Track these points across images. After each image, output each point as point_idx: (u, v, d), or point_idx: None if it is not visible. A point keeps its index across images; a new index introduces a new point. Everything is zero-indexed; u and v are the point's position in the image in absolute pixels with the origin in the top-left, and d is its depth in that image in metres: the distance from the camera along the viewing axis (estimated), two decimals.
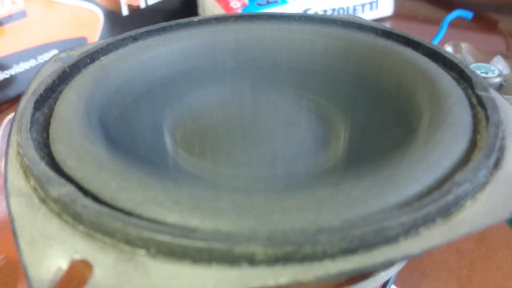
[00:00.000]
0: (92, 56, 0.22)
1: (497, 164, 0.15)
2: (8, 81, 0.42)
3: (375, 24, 0.24)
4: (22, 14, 0.42)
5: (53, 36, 0.45)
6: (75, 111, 0.18)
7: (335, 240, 0.12)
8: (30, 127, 0.17)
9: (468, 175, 0.14)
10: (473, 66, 0.39)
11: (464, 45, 0.42)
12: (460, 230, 0.13)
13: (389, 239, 0.13)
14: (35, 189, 0.15)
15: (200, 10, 0.55)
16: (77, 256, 0.13)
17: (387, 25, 0.56)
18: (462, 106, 0.18)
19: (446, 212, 0.13)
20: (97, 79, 0.20)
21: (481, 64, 0.40)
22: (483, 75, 0.38)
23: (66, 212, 0.14)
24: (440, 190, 0.14)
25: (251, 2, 0.51)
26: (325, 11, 0.53)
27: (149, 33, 0.24)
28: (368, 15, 0.55)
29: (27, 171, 0.15)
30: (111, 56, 0.22)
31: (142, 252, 0.13)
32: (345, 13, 0.54)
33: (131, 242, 0.13)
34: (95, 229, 0.13)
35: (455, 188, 0.14)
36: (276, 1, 0.51)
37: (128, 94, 0.21)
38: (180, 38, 0.23)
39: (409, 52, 0.22)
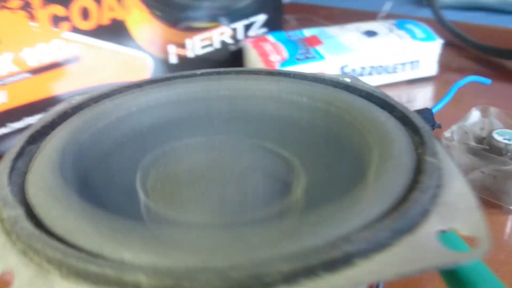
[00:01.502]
0: (96, 100, 0.25)
1: (411, 229, 0.16)
2: None
3: (362, 86, 0.25)
4: (76, 59, 0.47)
5: (105, 79, 0.49)
6: (55, 149, 0.20)
7: (213, 280, 0.13)
8: (16, 158, 0.20)
9: (366, 235, 0.15)
10: (497, 131, 0.38)
11: (493, 110, 0.41)
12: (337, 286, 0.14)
13: (266, 286, 0.14)
14: None
15: (245, 61, 0.58)
16: (6, 268, 0.15)
17: (430, 85, 0.56)
18: (404, 168, 0.19)
19: (331, 267, 0.14)
20: (86, 122, 0.23)
21: (507, 130, 0.39)
22: (506, 141, 0.37)
23: (12, 231, 0.16)
24: (333, 245, 0.15)
25: (290, 56, 0.53)
26: (364, 68, 0.54)
27: (153, 82, 0.27)
28: (409, 75, 0.56)
29: None
30: (110, 101, 0.25)
31: (56, 271, 0.14)
32: (385, 71, 0.54)
33: (50, 262, 0.15)
34: (28, 248, 0.15)
35: (345, 244, 0.14)
36: (314, 57, 0.53)
37: (113, 140, 0.23)
38: (172, 88, 0.25)
39: (378, 113, 0.22)
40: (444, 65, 0.58)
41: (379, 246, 0.15)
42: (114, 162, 0.22)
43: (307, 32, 0.59)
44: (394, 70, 0.55)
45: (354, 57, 0.53)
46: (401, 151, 0.19)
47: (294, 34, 0.59)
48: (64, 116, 0.24)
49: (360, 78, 0.53)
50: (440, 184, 0.18)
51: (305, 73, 0.26)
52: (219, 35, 0.58)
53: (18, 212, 0.17)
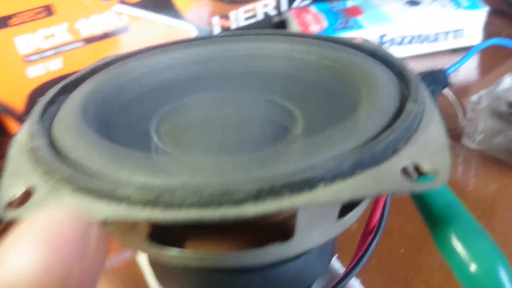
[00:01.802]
0: (124, 59, 0.28)
1: (376, 163, 0.17)
2: None
3: (369, 46, 0.26)
4: (125, 30, 0.50)
5: None
6: (80, 97, 0.23)
7: (189, 195, 0.16)
8: (48, 104, 0.23)
9: (331, 164, 0.17)
10: None
11: None
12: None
13: (236, 202, 0.16)
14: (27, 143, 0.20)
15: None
16: (30, 186, 0.18)
17: (474, 54, 0.55)
18: (383, 112, 0.20)
19: (295, 189, 0.16)
20: (111, 76, 0.25)
21: None
22: None
23: (36, 157, 0.19)
24: (299, 171, 0.16)
25: (329, 26, 0.54)
26: (403, 37, 0.54)
27: (176, 44, 0.29)
28: (452, 44, 0.55)
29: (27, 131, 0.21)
30: (135, 60, 0.28)
31: (65, 188, 0.17)
32: (426, 40, 0.54)
33: (61, 180, 0.18)
34: (46, 170, 0.18)
35: (309, 171, 0.16)
36: (353, 26, 0.53)
37: (134, 92, 0.25)
38: (192, 49, 0.28)
39: (375, 68, 0.24)
40: (491, 34, 0.56)
41: (341, 175, 0.17)
42: (133, 111, 0.25)
43: (350, 3, 0.59)
44: (436, 39, 0.54)
45: (393, 26, 0.53)
46: (384, 98, 0.20)
47: (337, 5, 0.60)
48: (93, 72, 0.27)
49: (400, 47, 0.54)
50: (417, 127, 0.19)
51: (319, 35, 0.28)
52: (263, 7, 0.60)
53: (42, 142, 0.20)
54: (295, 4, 0.62)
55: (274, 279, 0.22)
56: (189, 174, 0.17)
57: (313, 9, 0.59)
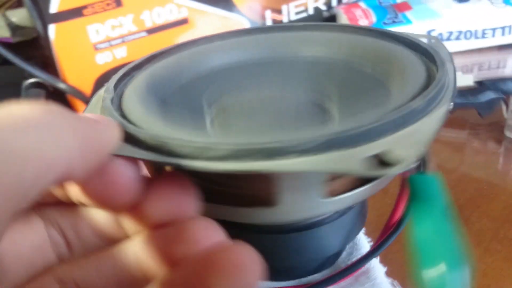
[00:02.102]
0: (182, 46, 0.31)
1: (352, 146, 0.18)
2: None
3: (401, 35, 0.28)
4: (184, 21, 0.54)
5: None
6: (146, 75, 0.26)
7: (225, 148, 0.17)
8: (121, 77, 0.26)
9: (312, 139, 0.18)
10: None
11: None
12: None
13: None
14: None
15: None
16: None
17: None
18: (420, 74, 0.23)
19: (271, 155, 0.17)
20: (175, 59, 0.28)
21: None
22: None
23: (103, 107, 0.22)
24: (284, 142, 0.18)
25: (377, 21, 0.56)
26: (451, 33, 0.55)
27: (232, 33, 0.32)
28: (500, 40, 0.56)
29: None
30: (194, 47, 0.30)
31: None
32: (473, 36, 0.55)
33: None
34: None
35: (292, 144, 0.18)
36: (401, 21, 0.55)
37: (191, 75, 0.28)
38: (245, 36, 0.31)
39: (398, 48, 0.26)
40: None
41: (313, 150, 0.18)
42: (189, 92, 0.28)
43: None
44: (483, 36, 0.56)
45: (441, 22, 0.55)
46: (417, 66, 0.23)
47: (386, 0, 0.61)
48: (160, 55, 0.30)
49: (447, 42, 0.55)
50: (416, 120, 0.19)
51: (360, 26, 0.30)
52: (314, 2, 0.62)
53: (110, 96, 0.23)
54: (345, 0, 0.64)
55: (297, 242, 0.24)
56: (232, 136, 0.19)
57: (362, 4, 0.61)
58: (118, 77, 0.26)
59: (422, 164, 0.24)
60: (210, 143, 0.18)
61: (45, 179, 0.14)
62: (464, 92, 0.46)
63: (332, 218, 0.25)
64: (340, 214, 0.25)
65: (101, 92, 0.25)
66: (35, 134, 0.13)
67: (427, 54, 0.25)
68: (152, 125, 0.21)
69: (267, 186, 0.20)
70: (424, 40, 0.27)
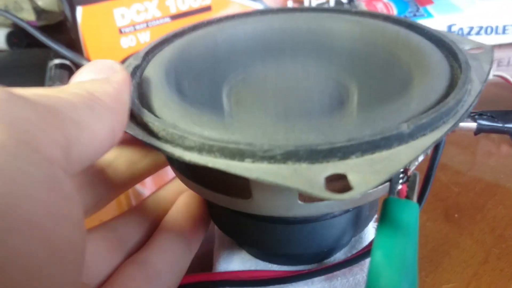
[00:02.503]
0: (196, 26, 0.31)
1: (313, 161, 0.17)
2: None
3: (424, 27, 0.28)
4: (208, 8, 0.55)
5: None
6: (169, 53, 0.26)
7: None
8: (148, 52, 0.26)
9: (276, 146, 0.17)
10: None
11: None
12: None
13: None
14: None
15: None
16: None
17: None
18: (443, 69, 0.23)
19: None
20: (199, 37, 0.29)
21: None
22: None
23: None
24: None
25: (399, 14, 0.56)
26: (471, 28, 0.55)
27: (248, 14, 0.32)
28: None
29: None
30: (208, 28, 0.31)
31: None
32: (494, 32, 0.56)
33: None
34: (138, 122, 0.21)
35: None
36: (423, 15, 0.55)
37: (210, 56, 0.28)
38: (256, 21, 0.31)
39: (417, 38, 0.26)
40: None
41: (273, 159, 0.17)
42: (209, 74, 0.28)
43: None
44: (504, 31, 0.56)
45: (462, 16, 0.55)
46: (439, 58, 0.23)
47: None
48: (183, 31, 0.30)
49: (468, 37, 0.55)
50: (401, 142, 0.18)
51: (379, 13, 0.30)
52: None
53: (136, 63, 0.24)
54: None
55: (309, 231, 0.24)
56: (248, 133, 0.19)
57: None
58: (151, 46, 0.27)
59: (409, 188, 0.21)
60: (184, 133, 0.18)
61: (97, 154, 0.17)
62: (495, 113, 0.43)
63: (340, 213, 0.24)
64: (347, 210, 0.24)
65: (131, 59, 0.25)
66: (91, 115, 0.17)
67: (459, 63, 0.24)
68: (164, 105, 0.21)
69: (239, 180, 0.19)
70: (469, 46, 0.26)
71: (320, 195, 0.15)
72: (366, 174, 0.16)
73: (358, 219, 0.25)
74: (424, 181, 0.27)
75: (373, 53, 0.27)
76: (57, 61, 0.54)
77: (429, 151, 0.22)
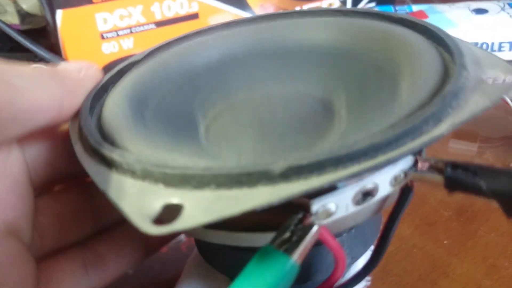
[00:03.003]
0: (176, 42, 0.29)
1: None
2: None
3: (414, 20, 0.27)
4: (195, 16, 0.53)
5: None
6: (125, 88, 0.24)
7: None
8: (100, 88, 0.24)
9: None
10: None
11: None
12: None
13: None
14: None
15: None
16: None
17: None
18: (435, 67, 0.21)
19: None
20: (153, 66, 0.26)
21: None
22: None
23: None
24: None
25: None
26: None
27: (237, 23, 0.30)
28: None
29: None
30: (176, 47, 0.28)
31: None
32: (489, 49, 0.54)
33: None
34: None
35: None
36: None
37: (184, 73, 0.26)
38: (229, 37, 0.28)
39: (410, 35, 0.24)
40: None
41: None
42: (181, 95, 0.26)
43: (415, 7, 0.60)
44: (500, 49, 0.54)
45: (456, 32, 0.53)
46: (431, 55, 0.21)
47: (401, 9, 0.60)
48: (150, 54, 0.28)
49: None
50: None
51: (366, 9, 0.28)
52: (328, 5, 0.61)
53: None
54: (360, 6, 0.63)
55: None
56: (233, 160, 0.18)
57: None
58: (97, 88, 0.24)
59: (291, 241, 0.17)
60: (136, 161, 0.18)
61: (37, 118, 0.20)
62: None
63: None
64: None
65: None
66: (33, 82, 0.20)
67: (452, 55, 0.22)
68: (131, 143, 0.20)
69: None
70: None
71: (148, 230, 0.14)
72: (199, 210, 0.15)
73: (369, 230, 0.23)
74: (377, 248, 0.22)
75: (356, 61, 0.25)
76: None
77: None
